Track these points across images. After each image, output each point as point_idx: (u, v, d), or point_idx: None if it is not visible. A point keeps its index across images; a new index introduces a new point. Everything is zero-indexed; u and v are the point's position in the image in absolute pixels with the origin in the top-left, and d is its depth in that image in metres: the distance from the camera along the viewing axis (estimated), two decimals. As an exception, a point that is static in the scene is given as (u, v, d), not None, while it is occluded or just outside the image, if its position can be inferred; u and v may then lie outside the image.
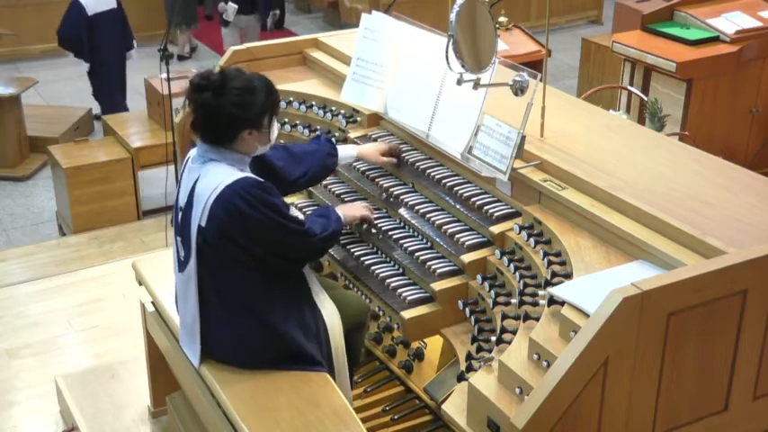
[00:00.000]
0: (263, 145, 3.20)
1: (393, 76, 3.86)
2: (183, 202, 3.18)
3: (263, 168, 3.31)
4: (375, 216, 3.57)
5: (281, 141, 4.17)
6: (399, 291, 3.26)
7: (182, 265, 3.20)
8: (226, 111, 3.05)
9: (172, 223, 3.38)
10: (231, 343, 3.18)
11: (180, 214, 3.19)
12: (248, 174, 3.12)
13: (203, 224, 3.06)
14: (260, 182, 3.09)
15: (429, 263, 3.28)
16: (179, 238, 3.21)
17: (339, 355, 3.31)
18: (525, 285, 2.97)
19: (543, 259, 2.97)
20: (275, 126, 3.23)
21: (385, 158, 3.69)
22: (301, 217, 3.76)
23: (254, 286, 3.13)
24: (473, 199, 3.38)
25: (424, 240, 3.41)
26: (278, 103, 3.23)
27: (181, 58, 10.47)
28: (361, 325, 3.46)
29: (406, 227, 3.51)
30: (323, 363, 3.22)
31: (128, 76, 9.80)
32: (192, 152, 3.23)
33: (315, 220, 3.32)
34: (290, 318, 3.17)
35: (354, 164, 3.80)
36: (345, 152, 3.68)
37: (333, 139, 3.77)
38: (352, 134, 3.96)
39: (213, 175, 3.08)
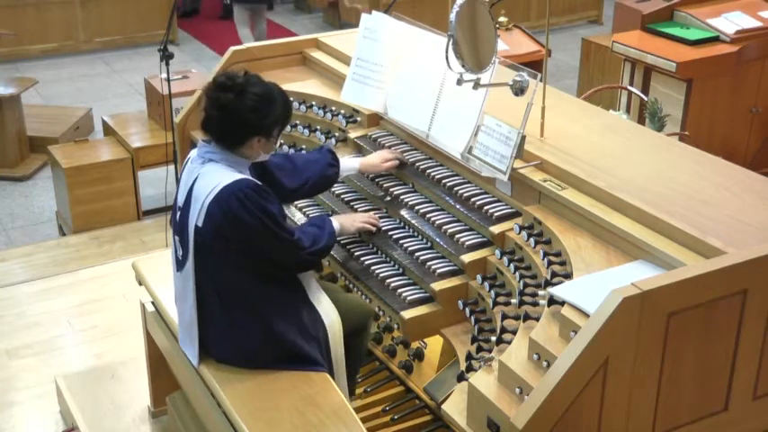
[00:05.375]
0: (265, 154, 3.22)
1: (393, 76, 3.86)
2: (181, 201, 3.18)
3: (263, 175, 3.31)
4: (379, 219, 3.56)
5: (282, 142, 4.18)
6: (399, 291, 3.26)
7: (180, 264, 3.20)
8: (243, 115, 3.07)
9: (171, 222, 3.39)
10: (229, 342, 3.18)
11: (178, 213, 3.20)
12: (247, 176, 3.12)
13: (200, 224, 3.07)
14: (257, 184, 3.09)
15: (429, 263, 3.28)
16: (177, 237, 3.21)
17: (338, 356, 3.31)
18: (525, 285, 2.97)
19: (543, 259, 2.97)
20: (280, 139, 3.26)
21: (388, 164, 3.68)
22: (300, 217, 3.76)
23: (250, 286, 3.13)
24: (473, 199, 3.37)
25: (424, 240, 3.41)
26: (290, 118, 3.27)
27: None
28: (362, 329, 3.46)
29: (407, 227, 3.51)
30: (322, 363, 3.22)
31: (128, 76, 9.83)
32: (193, 152, 3.23)
33: (308, 230, 3.30)
34: (288, 318, 3.17)
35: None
36: (347, 164, 3.66)
37: (334, 150, 3.73)
38: (352, 134, 3.96)
39: (211, 176, 3.08)
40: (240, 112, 3.07)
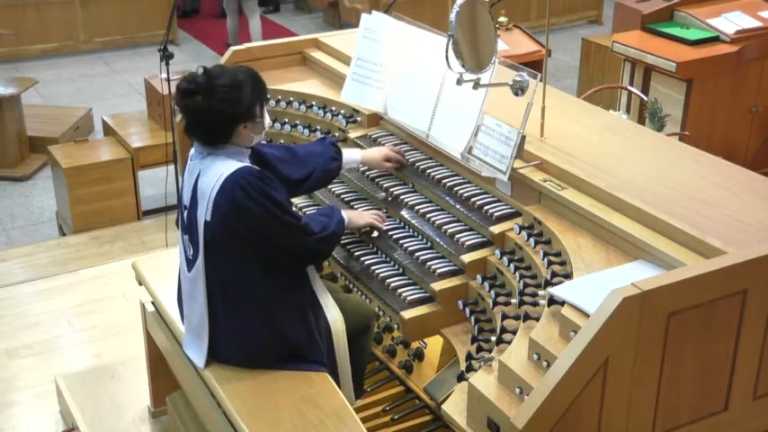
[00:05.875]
0: (258, 135, 3.20)
1: (393, 76, 3.86)
2: (187, 200, 3.18)
3: (264, 168, 3.30)
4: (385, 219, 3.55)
5: (282, 141, 4.18)
6: (399, 291, 3.26)
7: (190, 263, 3.19)
8: (218, 111, 3.04)
9: (177, 224, 3.38)
10: (235, 340, 3.18)
11: (186, 212, 3.19)
12: (247, 164, 3.12)
13: (209, 219, 3.06)
14: (259, 171, 3.09)
15: (429, 263, 3.28)
16: (186, 236, 3.20)
17: (342, 357, 3.31)
18: (525, 285, 2.97)
19: (543, 259, 2.97)
20: (266, 113, 3.23)
21: (389, 164, 3.67)
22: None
23: (258, 283, 3.12)
24: (473, 199, 3.37)
25: (425, 240, 3.41)
26: (266, 91, 3.23)
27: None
28: (365, 329, 3.46)
29: (407, 227, 3.51)
30: (325, 363, 3.22)
31: (128, 76, 9.83)
32: (192, 150, 3.23)
33: (316, 218, 3.30)
34: (294, 316, 3.17)
35: (355, 164, 3.79)
36: (349, 156, 3.65)
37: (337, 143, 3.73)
38: (352, 134, 3.96)
39: (213, 169, 3.08)
40: (213, 109, 3.04)
